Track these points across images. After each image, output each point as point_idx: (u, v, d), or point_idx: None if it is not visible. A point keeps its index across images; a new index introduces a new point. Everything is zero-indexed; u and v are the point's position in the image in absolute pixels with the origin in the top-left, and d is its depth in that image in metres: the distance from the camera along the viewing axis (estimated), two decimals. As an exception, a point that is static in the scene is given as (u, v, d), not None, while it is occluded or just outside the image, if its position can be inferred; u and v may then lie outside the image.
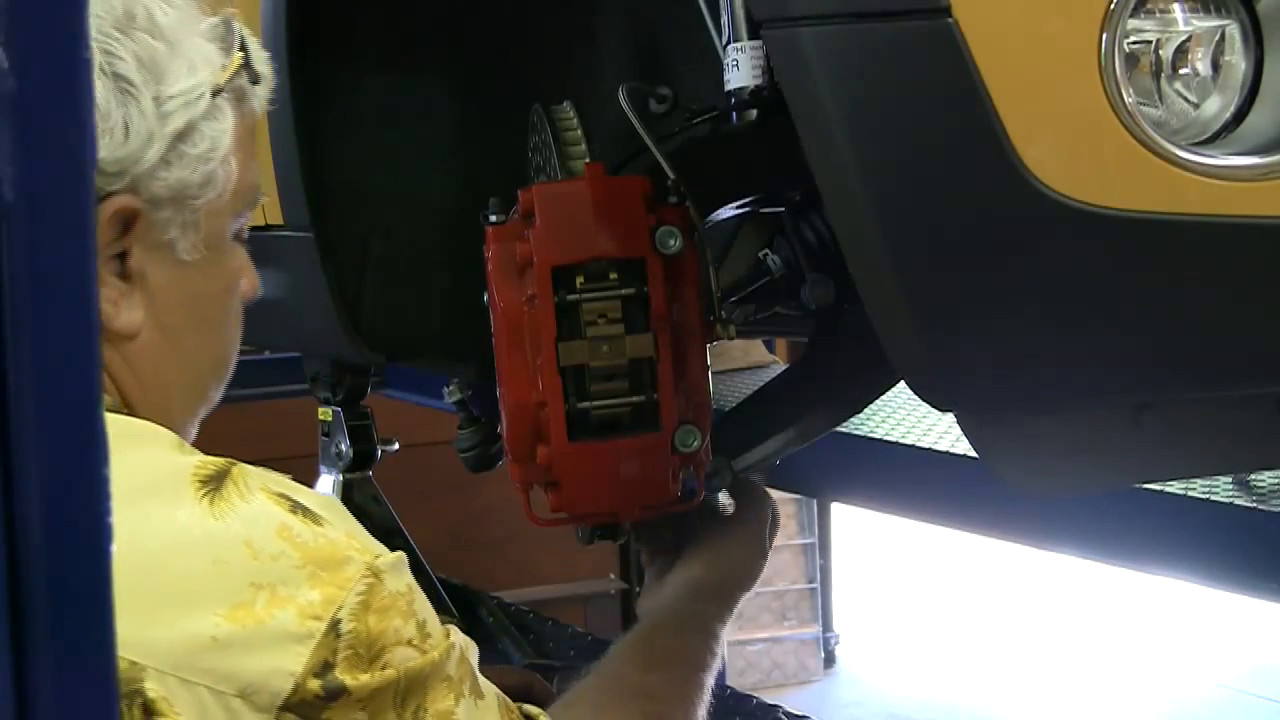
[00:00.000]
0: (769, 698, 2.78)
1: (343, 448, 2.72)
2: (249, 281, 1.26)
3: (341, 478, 2.75)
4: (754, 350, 3.14)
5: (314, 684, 1.01)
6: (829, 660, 5.30)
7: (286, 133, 1.80)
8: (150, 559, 1.01)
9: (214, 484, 1.05)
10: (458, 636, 1.14)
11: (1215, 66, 1.15)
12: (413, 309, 1.95)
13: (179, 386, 1.19)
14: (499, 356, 1.35)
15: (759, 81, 1.28)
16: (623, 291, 1.32)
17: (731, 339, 1.41)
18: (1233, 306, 1.17)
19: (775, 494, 1.66)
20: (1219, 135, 1.16)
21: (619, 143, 1.51)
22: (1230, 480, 2.06)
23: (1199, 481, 2.06)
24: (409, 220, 1.92)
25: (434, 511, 3.99)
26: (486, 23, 1.88)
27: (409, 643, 1.07)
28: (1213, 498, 2.02)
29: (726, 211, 1.52)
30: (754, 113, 1.31)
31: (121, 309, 1.13)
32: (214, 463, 1.08)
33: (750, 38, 1.27)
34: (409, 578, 1.10)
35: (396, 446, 2.80)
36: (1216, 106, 1.16)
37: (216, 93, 1.16)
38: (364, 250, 1.90)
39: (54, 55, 0.55)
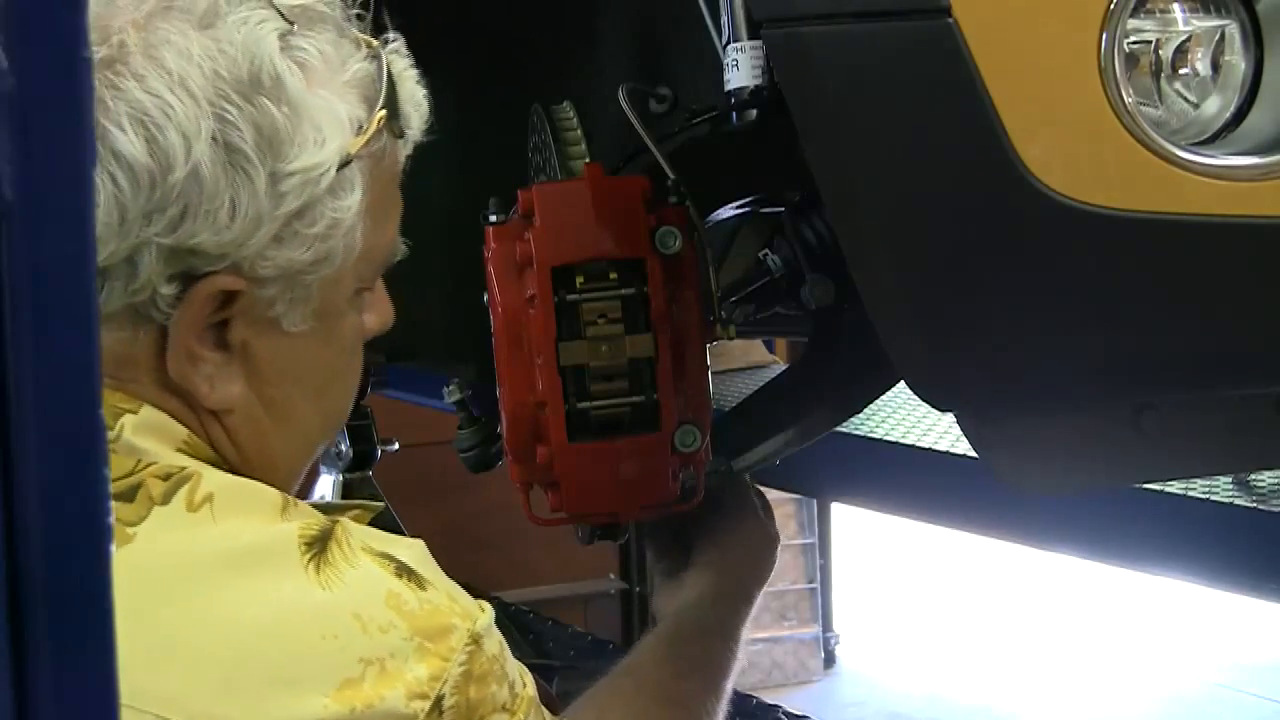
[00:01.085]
0: (769, 698, 2.78)
1: (343, 448, 2.72)
2: (378, 318, 1.17)
3: (341, 478, 2.75)
4: (754, 350, 3.14)
5: None
6: (829, 660, 5.30)
7: (286, 133, 1.80)
8: (257, 634, 0.97)
9: (318, 547, 1.00)
10: (531, 685, 1.11)
11: (1215, 66, 1.15)
12: (412, 309, 1.95)
13: (284, 454, 1.12)
14: (499, 356, 1.35)
15: (759, 81, 1.28)
16: (622, 291, 1.32)
17: (731, 339, 1.41)
18: (1233, 306, 1.17)
19: (775, 494, 1.66)
20: (1219, 135, 1.16)
21: (619, 143, 1.51)
22: (1230, 480, 2.06)
23: (1199, 481, 2.06)
24: (409, 220, 1.92)
25: (434, 511, 3.99)
26: (487, 22, 1.89)
27: (503, 708, 1.04)
28: (1213, 498, 2.02)
29: (726, 211, 1.52)
30: (754, 113, 1.31)
31: (216, 384, 1.04)
32: (317, 521, 1.03)
33: (750, 38, 1.27)
34: (498, 634, 1.06)
35: (396, 446, 2.80)
36: (1216, 106, 1.16)
37: (346, 163, 1.03)
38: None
39: (54, 55, 0.55)
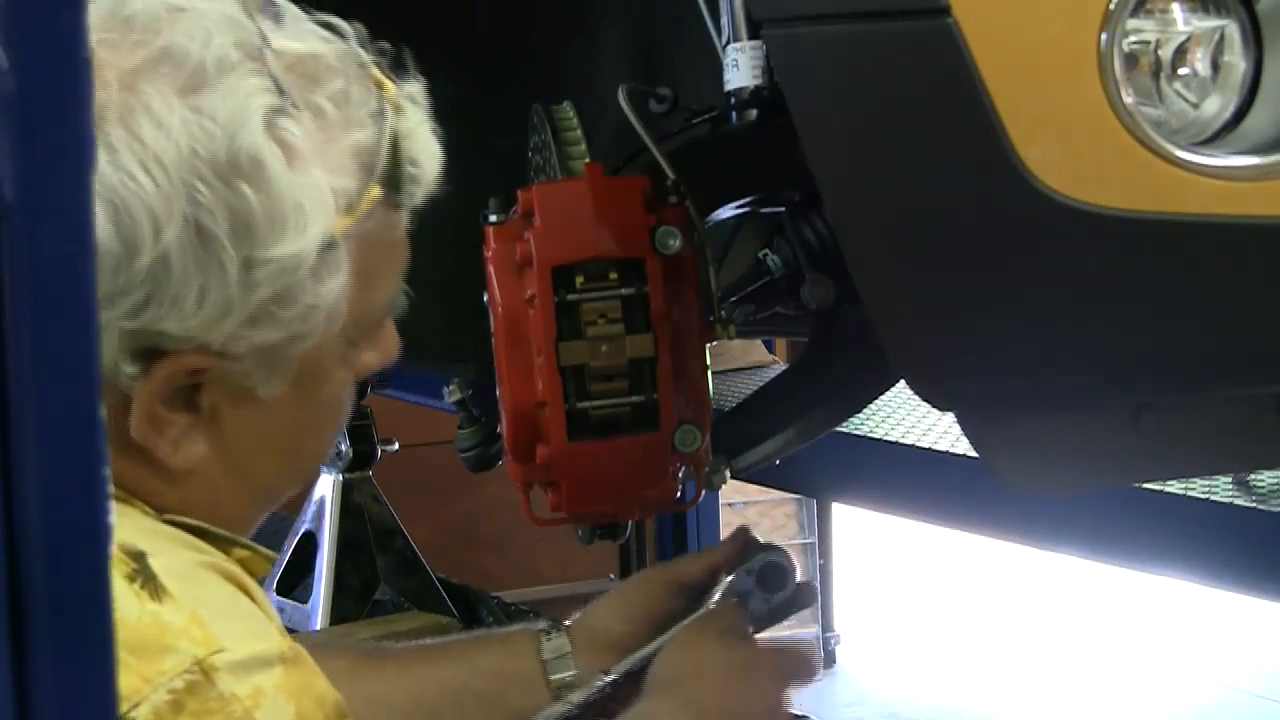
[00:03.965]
0: (769, 698, 2.77)
1: (343, 448, 2.72)
2: (380, 354, 1.09)
3: (341, 478, 2.75)
4: (754, 350, 3.14)
5: None
6: (829, 660, 5.30)
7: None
8: None
9: None
10: None
11: (1215, 66, 1.15)
12: (412, 309, 1.95)
13: (235, 505, 1.03)
14: (499, 356, 1.35)
15: (759, 81, 1.28)
16: (622, 291, 1.32)
17: (731, 339, 1.41)
18: (1233, 306, 1.17)
19: (775, 494, 1.66)
20: (1219, 135, 1.16)
21: (619, 143, 1.51)
22: (1230, 480, 2.06)
23: (1199, 481, 2.06)
24: (408, 220, 1.92)
25: (434, 511, 3.98)
26: (486, 22, 1.88)
27: None
28: (1213, 498, 2.03)
29: (726, 211, 1.52)
30: (754, 113, 1.31)
31: (181, 446, 0.96)
32: None
33: (750, 38, 1.27)
34: (270, 679, 0.90)
35: (396, 446, 2.80)
36: (1216, 106, 1.16)
37: (330, 246, 0.94)
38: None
39: (54, 55, 0.55)
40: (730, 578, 1.40)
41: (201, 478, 0.99)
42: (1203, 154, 1.12)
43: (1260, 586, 2.08)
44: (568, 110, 1.50)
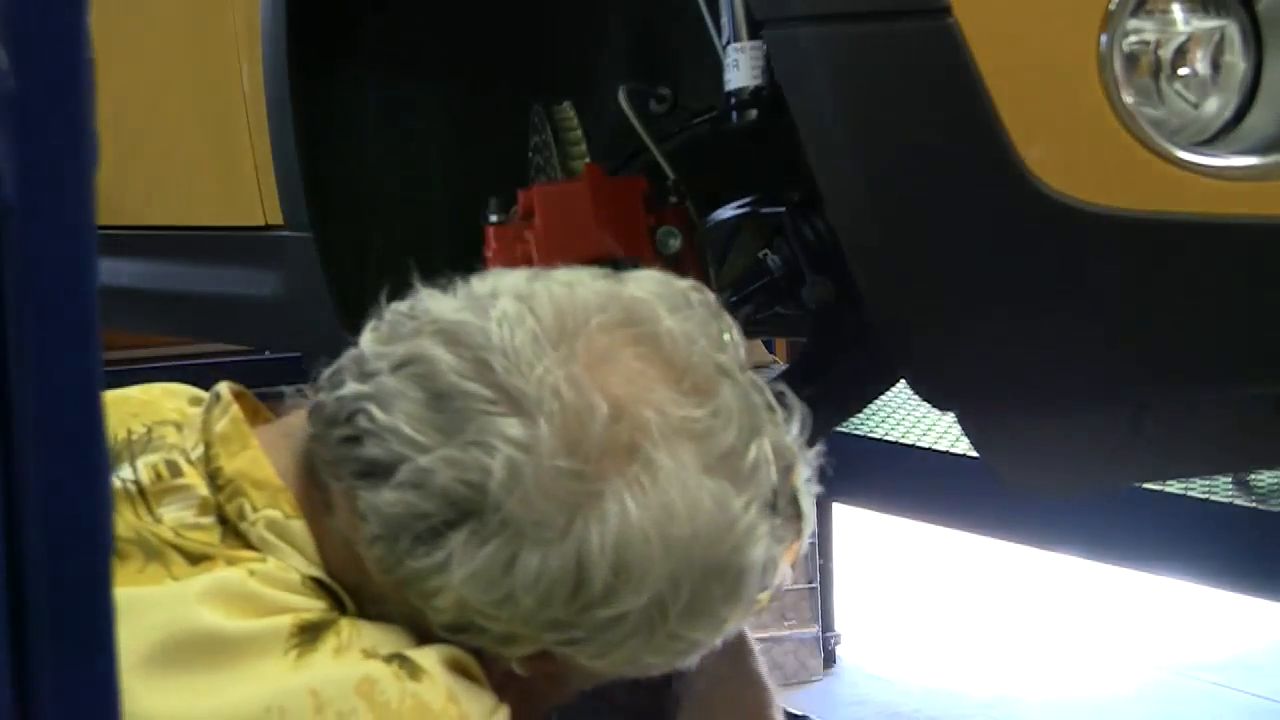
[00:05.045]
0: (769, 698, 2.77)
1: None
2: None
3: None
4: (754, 350, 3.14)
5: None
6: (829, 660, 5.29)
7: (286, 132, 1.80)
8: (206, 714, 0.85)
9: (308, 636, 0.88)
10: None
11: (1215, 66, 1.15)
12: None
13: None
14: (499, 356, 1.35)
15: (759, 81, 1.28)
16: (623, 292, 1.32)
17: (731, 339, 1.40)
18: (1233, 306, 1.17)
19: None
20: (1219, 135, 1.16)
21: (619, 143, 1.51)
22: (1230, 480, 2.06)
23: (1199, 481, 2.06)
24: (409, 220, 1.92)
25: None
26: (487, 23, 1.89)
27: None
28: (1213, 498, 2.03)
29: (726, 211, 1.52)
30: (754, 113, 1.31)
31: (501, 692, 0.95)
32: (318, 610, 0.90)
33: (750, 38, 1.27)
34: None
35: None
36: (1216, 106, 1.16)
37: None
38: (364, 250, 1.91)
39: (54, 55, 0.55)
40: None
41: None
42: (1203, 154, 1.12)
43: (1260, 586, 2.09)
44: (568, 110, 1.50)
